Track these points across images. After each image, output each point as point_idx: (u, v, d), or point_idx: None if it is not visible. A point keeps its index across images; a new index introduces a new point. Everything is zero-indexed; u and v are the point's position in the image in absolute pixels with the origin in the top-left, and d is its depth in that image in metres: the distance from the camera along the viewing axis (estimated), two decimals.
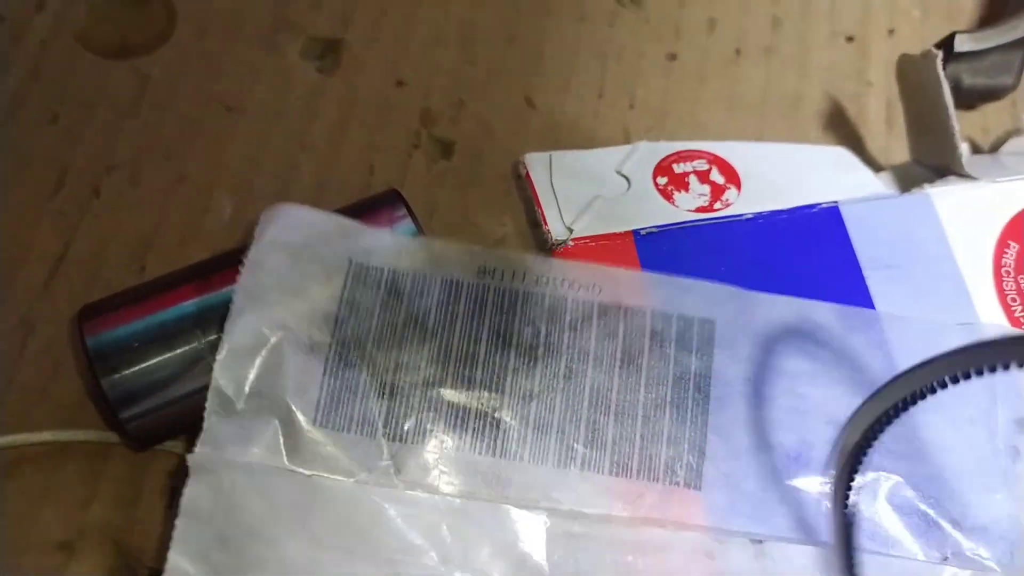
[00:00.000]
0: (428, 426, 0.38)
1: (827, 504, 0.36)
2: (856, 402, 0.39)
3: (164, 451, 0.42)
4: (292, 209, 0.41)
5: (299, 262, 0.40)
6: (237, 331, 0.38)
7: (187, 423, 0.41)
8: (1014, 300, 0.42)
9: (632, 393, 0.39)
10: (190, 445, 0.40)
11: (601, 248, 0.43)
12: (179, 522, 0.36)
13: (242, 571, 0.36)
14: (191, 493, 0.36)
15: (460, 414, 0.39)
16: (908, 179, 0.47)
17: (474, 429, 0.38)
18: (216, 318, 0.40)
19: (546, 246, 0.44)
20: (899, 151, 0.51)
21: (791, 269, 0.42)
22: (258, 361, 0.38)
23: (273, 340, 0.38)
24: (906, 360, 0.40)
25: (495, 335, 0.40)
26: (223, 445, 0.37)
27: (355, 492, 0.37)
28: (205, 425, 0.38)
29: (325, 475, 0.37)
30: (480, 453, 0.38)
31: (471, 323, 0.40)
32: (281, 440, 0.37)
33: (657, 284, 0.41)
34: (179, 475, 0.41)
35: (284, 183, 0.48)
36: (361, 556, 0.36)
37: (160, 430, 0.41)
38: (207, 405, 0.38)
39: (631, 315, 0.41)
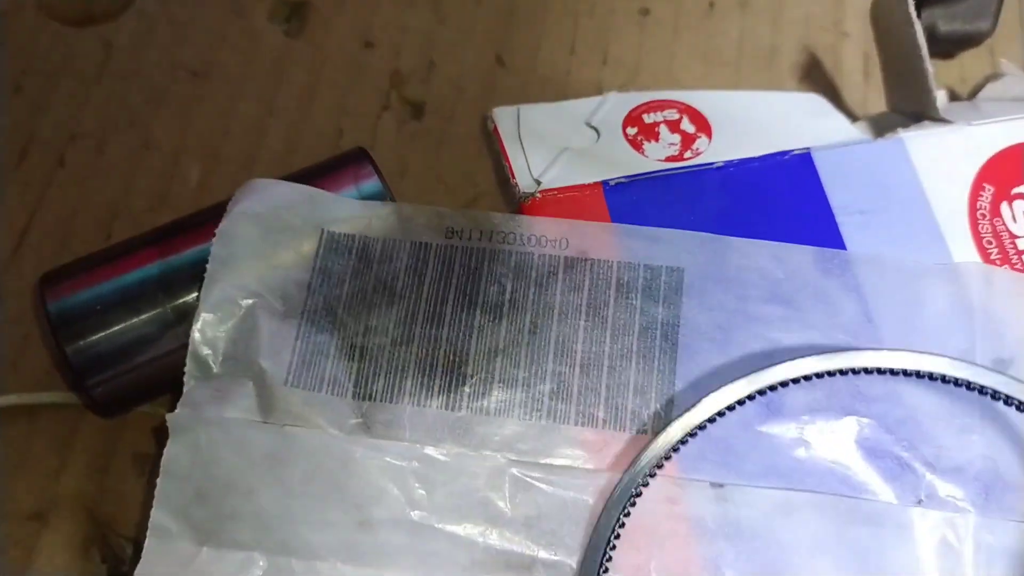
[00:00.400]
0: (396, 385, 0.39)
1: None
2: (830, 346, 0.39)
3: (134, 419, 0.41)
4: (264, 182, 0.41)
5: (271, 232, 0.40)
6: (211, 299, 0.39)
7: (154, 388, 0.40)
8: (990, 243, 0.41)
9: (598, 345, 0.39)
10: (161, 410, 0.40)
11: (570, 200, 0.42)
12: (160, 481, 0.37)
13: (219, 523, 0.36)
14: (171, 452, 0.37)
15: (427, 372, 0.39)
16: (884, 128, 0.46)
17: (440, 386, 0.39)
18: (180, 281, 0.39)
19: (515, 200, 0.43)
20: (877, 103, 0.50)
21: (763, 217, 0.42)
22: (232, 326, 0.39)
23: (246, 306, 0.39)
24: (881, 302, 0.40)
25: (461, 295, 0.40)
26: (201, 406, 0.38)
27: (325, 440, 0.37)
28: (185, 388, 0.38)
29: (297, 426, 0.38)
30: (447, 408, 0.38)
31: (438, 284, 0.40)
32: (256, 400, 0.38)
33: (624, 235, 0.41)
34: (151, 441, 0.41)
35: (252, 148, 0.48)
36: (331, 502, 0.37)
37: (127, 395, 0.40)
38: (186, 369, 0.38)
39: (597, 267, 0.40)
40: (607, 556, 0.35)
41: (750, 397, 0.37)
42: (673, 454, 0.36)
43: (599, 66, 0.51)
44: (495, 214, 0.42)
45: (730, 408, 0.37)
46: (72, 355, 0.38)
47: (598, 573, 0.35)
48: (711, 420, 0.36)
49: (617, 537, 0.36)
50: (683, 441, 0.36)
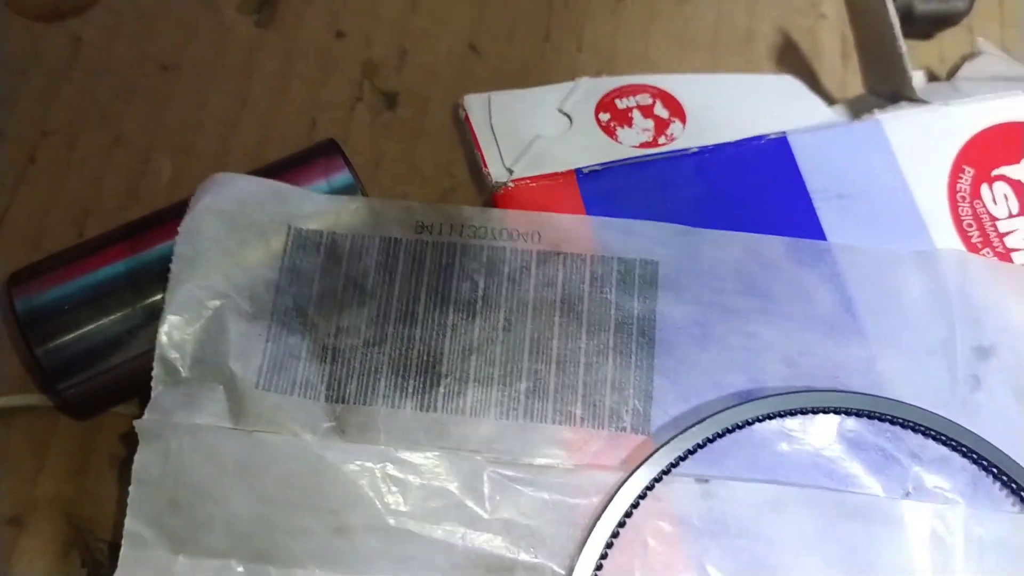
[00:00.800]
0: (370, 387, 0.38)
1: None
2: (809, 337, 0.38)
3: (110, 420, 0.41)
4: (228, 177, 0.41)
5: (236, 229, 0.40)
6: (177, 300, 0.38)
7: (127, 389, 0.40)
8: (970, 226, 0.41)
9: (573, 341, 0.39)
10: (136, 410, 0.40)
11: (543, 189, 0.42)
12: (132, 489, 0.36)
13: (194, 531, 0.36)
14: (141, 460, 0.36)
15: (401, 373, 0.38)
16: (861, 110, 0.45)
17: (415, 387, 0.38)
18: (149, 278, 0.39)
19: (488, 190, 0.43)
20: (855, 85, 0.50)
21: (739, 203, 0.41)
22: (199, 328, 0.38)
23: (213, 308, 0.38)
24: (858, 292, 0.39)
25: (434, 292, 0.40)
26: (170, 411, 0.37)
27: (297, 446, 0.37)
28: (152, 394, 0.37)
29: (268, 432, 0.37)
30: (422, 409, 0.38)
31: (410, 282, 0.40)
32: (226, 405, 0.38)
33: (597, 227, 0.40)
34: (129, 443, 0.41)
35: (224, 142, 0.47)
36: (306, 508, 0.36)
37: (100, 397, 0.40)
38: (153, 374, 0.38)
39: (570, 261, 0.40)
40: (599, 566, 0.35)
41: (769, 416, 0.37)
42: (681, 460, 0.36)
43: (574, 52, 0.51)
44: (465, 207, 0.41)
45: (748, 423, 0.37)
46: (42, 357, 0.38)
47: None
48: (740, 426, 0.37)
49: (612, 542, 0.35)
50: (701, 445, 0.36)
